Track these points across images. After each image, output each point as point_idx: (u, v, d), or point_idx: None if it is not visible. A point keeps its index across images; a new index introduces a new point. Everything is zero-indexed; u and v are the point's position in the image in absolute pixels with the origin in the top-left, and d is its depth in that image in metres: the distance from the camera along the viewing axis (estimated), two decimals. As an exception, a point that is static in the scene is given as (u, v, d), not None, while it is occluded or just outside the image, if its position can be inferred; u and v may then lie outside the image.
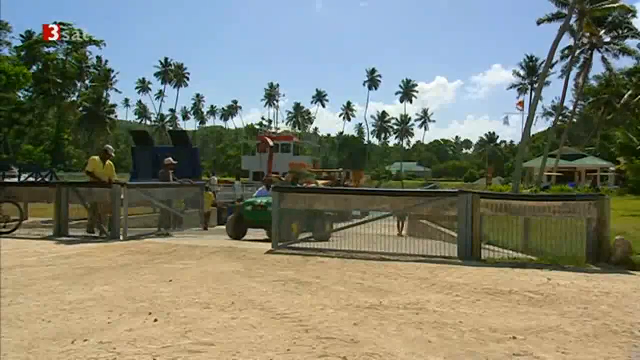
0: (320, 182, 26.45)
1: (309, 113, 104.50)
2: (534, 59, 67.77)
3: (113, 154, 10.18)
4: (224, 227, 12.23)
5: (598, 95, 47.68)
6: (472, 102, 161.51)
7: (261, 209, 10.63)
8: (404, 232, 11.87)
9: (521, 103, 53.25)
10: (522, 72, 69.22)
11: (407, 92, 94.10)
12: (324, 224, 9.48)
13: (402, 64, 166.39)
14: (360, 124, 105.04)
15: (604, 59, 39.17)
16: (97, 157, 9.85)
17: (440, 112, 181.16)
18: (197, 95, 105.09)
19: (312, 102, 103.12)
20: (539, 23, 34.25)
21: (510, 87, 71.18)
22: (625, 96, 36.02)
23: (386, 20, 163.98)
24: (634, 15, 35.85)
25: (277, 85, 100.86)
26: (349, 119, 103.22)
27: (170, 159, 11.40)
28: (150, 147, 22.77)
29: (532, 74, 66.93)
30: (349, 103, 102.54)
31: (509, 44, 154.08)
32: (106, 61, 67.71)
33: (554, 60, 33.48)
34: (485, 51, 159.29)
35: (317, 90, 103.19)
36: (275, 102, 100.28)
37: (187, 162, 14.96)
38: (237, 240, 10.21)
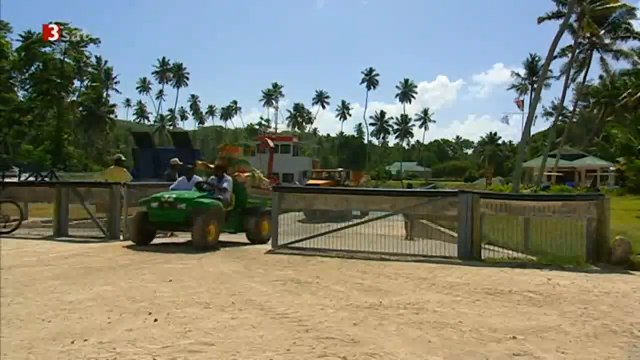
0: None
1: (309, 113, 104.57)
2: (535, 59, 67.76)
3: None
4: None
5: (598, 95, 47.66)
6: (473, 102, 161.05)
7: (169, 206, 7.90)
8: (412, 234, 11.27)
9: (521, 102, 53.31)
10: (522, 72, 69.22)
11: (405, 92, 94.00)
12: (258, 222, 8.59)
13: (403, 63, 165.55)
14: (360, 124, 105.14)
15: (602, 60, 39.30)
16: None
17: (441, 112, 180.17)
18: (193, 95, 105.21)
19: (312, 104, 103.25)
20: (539, 22, 34.33)
21: (511, 88, 70.87)
22: (624, 94, 36.01)
23: (388, 19, 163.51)
24: (634, 16, 35.86)
25: (281, 86, 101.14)
26: (344, 118, 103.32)
27: (177, 159, 11.70)
28: (152, 149, 22.87)
29: (533, 74, 66.86)
30: (343, 102, 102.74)
31: (511, 43, 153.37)
32: (106, 61, 67.96)
33: (554, 60, 33.58)
34: (487, 50, 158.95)
35: (317, 91, 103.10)
36: (275, 102, 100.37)
37: (188, 163, 15.10)
38: (142, 245, 7.88)
